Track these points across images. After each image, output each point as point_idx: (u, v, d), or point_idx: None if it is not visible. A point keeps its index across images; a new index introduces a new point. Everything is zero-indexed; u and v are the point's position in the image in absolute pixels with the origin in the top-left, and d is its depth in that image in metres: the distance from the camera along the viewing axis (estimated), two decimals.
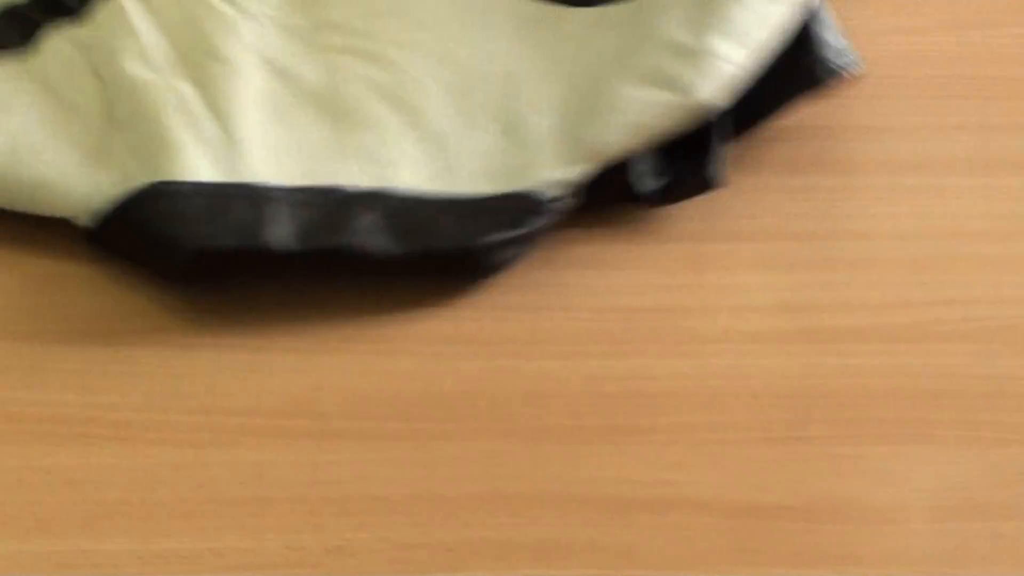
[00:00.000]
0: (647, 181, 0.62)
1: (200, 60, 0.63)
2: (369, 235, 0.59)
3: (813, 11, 0.64)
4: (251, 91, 0.62)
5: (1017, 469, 0.56)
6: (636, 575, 0.53)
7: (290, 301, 0.60)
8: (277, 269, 0.59)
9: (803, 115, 0.65)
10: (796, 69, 0.63)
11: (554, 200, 0.61)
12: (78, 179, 0.60)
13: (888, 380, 0.58)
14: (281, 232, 0.58)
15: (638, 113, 0.61)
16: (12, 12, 0.65)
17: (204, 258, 0.58)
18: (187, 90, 0.62)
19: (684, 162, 0.62)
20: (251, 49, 0.64)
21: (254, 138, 0.61)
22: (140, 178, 0.59)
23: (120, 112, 0.62)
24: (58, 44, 0.64)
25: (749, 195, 0.64)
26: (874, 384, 0.58)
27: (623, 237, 0.63)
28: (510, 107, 0.63)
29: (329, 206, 0.59)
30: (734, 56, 0.61)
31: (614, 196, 0.62)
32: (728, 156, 0.63)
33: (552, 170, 0.61)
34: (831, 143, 0.66)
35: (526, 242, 0.60)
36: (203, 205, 0.58)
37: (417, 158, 0.61)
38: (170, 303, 0.60)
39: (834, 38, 0.64)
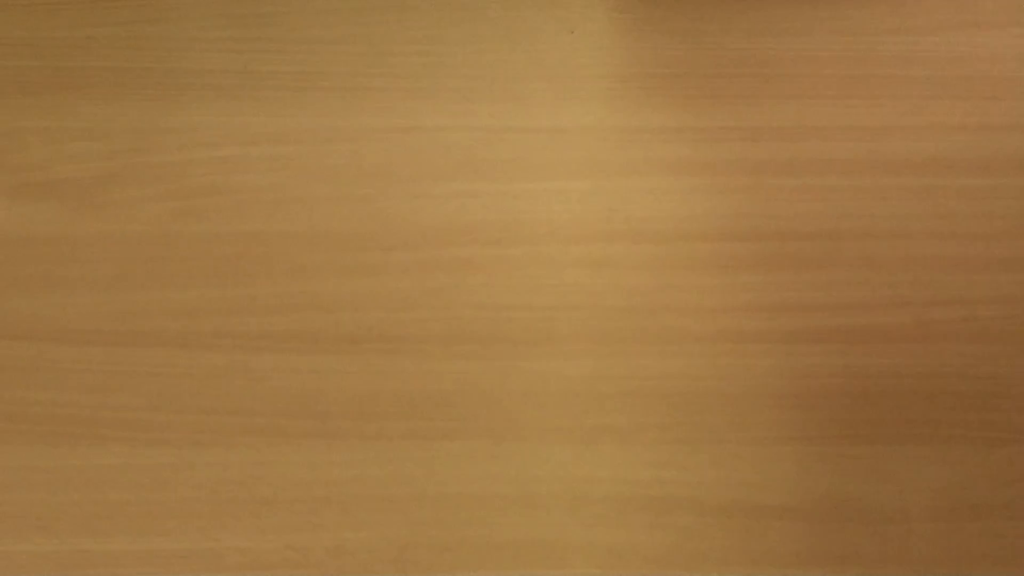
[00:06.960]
0: None
1: None
2: None
3: None
4: None
5: (1017, 469, 0.56)
6: (635, 575, 0.53)
7: (290, 301, 0.60)
8: None
9: (803, 115, 0.65)
10: None
11: None
12: None
13: (888, 380, 0.58)
14: None
15: None
16: None
17: None
18: None
19: None
20: None
21: None
22: None
23: None
24: None
25: (749, 195, 0.64)
26: (874, 384, 0.58)
27: (622, 236, 0.63)
28: None
29: None
30: None
31: None
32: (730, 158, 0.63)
33: None
34: (831, 143, 0.66)
35: None
36: None
37: None
38: (170, 303, 0.60)
39: None
